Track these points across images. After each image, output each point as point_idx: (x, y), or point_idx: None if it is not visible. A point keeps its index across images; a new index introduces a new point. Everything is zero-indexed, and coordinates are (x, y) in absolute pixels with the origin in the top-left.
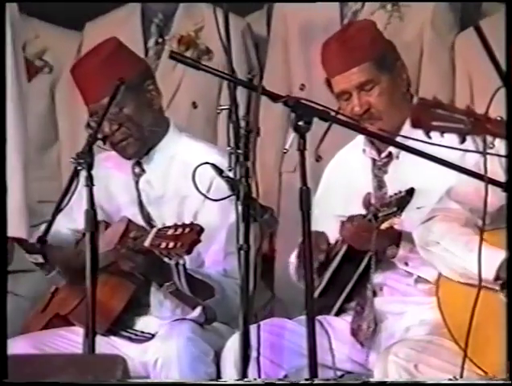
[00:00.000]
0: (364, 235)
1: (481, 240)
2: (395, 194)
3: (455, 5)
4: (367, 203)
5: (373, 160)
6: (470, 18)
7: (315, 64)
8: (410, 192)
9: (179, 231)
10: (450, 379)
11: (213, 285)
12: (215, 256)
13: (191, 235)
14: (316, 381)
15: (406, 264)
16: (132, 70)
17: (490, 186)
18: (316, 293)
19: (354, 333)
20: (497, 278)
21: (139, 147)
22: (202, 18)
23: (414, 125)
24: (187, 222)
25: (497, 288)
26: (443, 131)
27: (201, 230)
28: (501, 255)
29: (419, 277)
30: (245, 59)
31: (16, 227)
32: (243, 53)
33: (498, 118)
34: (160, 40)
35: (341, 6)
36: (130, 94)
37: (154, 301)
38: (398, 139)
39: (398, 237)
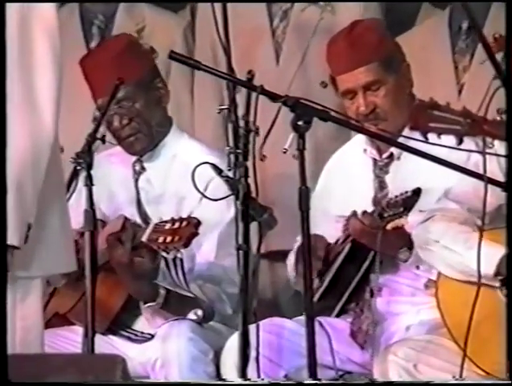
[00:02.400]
0: (372, 231)
1: (481, 240)
2: (401, 194)
3: (382, 6)
4: (376, 202)
5: (374, 160)
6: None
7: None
8: (417, 192)
9: (177, 225)
10: (450, 379)
11: (199, 300)
12: (206, 257)
13: (188, 228)
14: (317, 381)
15: (418, 267)
16: (142, 67)
17: (489, 186)
18: (317, 295)
19: (353, 335)
20: (497, 274)
21: (147, 144)
22: (143, 18)
23: (412, 127)
24: (185, 216)
25: (497, 284)
26: (440, 133)
27: (198, 223)
28: (500, 251)
29: (429, 279)
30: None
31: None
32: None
33: (497, 118)
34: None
35: (268, 6)
36: (140, 91)
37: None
38: (400, 140)
39: (409, 240)
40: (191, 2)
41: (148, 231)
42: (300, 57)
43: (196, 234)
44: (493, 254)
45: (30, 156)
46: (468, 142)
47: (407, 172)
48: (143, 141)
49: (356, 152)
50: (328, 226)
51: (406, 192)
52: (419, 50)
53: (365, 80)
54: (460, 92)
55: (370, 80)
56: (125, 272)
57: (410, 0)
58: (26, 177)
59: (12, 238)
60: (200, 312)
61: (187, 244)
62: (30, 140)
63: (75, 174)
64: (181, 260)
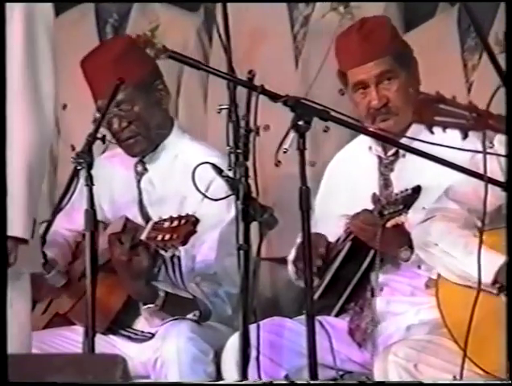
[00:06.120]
0: (371, 229)
1: (481, 241)
2: (401, 191)
3: (403, 5)
4: (375, 200)
5: (380, 158)
6: (418, 18)
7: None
8: (417, 190)
9: (175, 223)
10: (451, 379)
11: (198, 302)
12: (207, 256)
13: (186, 226)
14: (317, 381)
15: (419, 267)
16: (142, 69)
17: (489, 186)
18: (317, 294)
19: (352, 333)
20: (494, 282)
21: (146, 146)
22: (157, 17)
23: (417, 120)
24: (183, 214)
25: (495, 291)
26: (445, 126)
27: (197, 221)
28: (499, 259)
29: (430, 279)
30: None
31: (17, 227)
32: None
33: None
34: None
35: (290, 11)
36: (140, 93)
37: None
38: (403, 140)
39: (410, 238)
40: (199, 1)
41: (147, 229)
42: (319, 64)
43: (194, 232)
44: (491, 262)
45: (37, 149)
46: (472, 138)
47: (413, 169)
48: (142, 143)
49: (361, 150)
50: (332, 225)
51: (406, 190)
52: (427, 47)
53: (379, 70)
54: (469, 90)
55: (384, 70)
56: (125, 271)
57: (421, 0)
58: (34, 170)
59: (22, 231)
60: (197, 312)
61: (184, 242)
62: (36, 133)
63: (75, 174)
64: (178, 258)
